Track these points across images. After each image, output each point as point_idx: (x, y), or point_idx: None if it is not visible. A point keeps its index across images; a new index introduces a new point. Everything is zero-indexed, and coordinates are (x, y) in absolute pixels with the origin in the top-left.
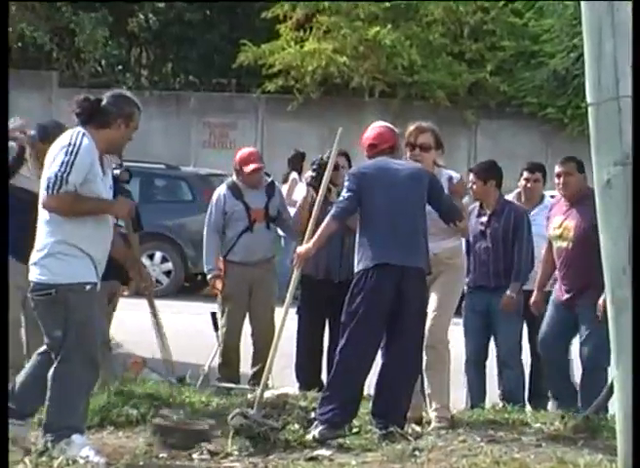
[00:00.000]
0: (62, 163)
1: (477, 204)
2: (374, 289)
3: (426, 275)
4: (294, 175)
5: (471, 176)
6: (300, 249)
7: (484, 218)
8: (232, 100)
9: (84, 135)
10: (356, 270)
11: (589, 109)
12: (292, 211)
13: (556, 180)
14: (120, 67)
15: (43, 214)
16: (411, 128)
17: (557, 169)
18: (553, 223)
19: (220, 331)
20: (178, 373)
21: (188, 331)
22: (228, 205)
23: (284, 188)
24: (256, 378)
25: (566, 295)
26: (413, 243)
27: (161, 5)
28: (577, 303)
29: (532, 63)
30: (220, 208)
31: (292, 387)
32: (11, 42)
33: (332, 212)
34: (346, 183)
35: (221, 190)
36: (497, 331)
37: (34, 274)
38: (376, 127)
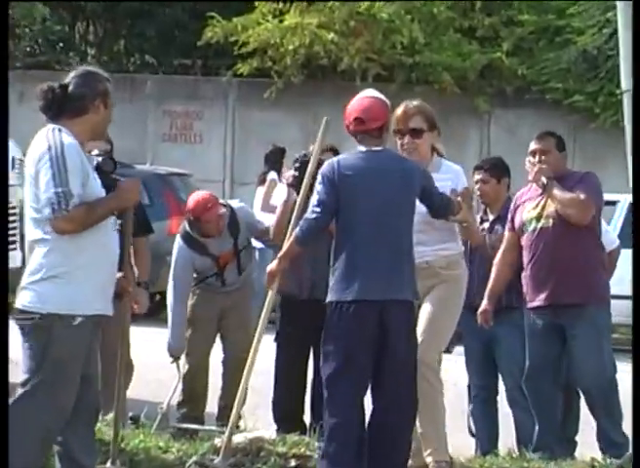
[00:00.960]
0: (54, 175)
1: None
2: (351, 329)
3: (416, 302)
4: (272, 174)
5: (479, 175)
6: (271, 265)
7: (486, 224)
8: (197, 85)
9: (60, 131)
10: (329, 298)
11: (624, 97)
12: (270, 217)
13: (530, 159)
14: (62, 45)
15: (34, 233)
16: (397, 111)
17: (532, 146)
18: (527, 207)
19: (181, 362)
20: (130, 412)
21: (143, 360)
22: (196, 264)
23: (260, 191)
24: (224, 419)
25: (544, 297)
26: (397, 269)
27: None
28: (565, 306)
29: (556, 42)
30: (188, 273)
31: (267, 430)
32: None
33: (297, 229)
34: (318, 187)
35: (181, 249)
36: (500, 360)
37: (22, 300)
38: (365, 97)
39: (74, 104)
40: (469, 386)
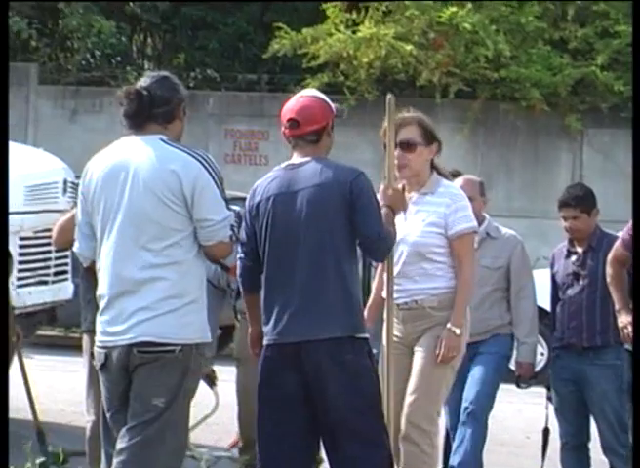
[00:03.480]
0: (221, 195)
1: (564, 243)
2: (265, 381)
3: (357, 342)
4: None
5: (568, 211)
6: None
7: (574, 257)
8: (263, 102)
9: (168, 141)
10: None
11: None
12: None
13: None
14: (118, 59)
15: (158, 257)
16: (386, 123)
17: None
18: None
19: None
20: None
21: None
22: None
23: None
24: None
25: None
26: (316, 303)
27: None
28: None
29: None
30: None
31: None
32: None
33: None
34: (243, 224)
35: None
36: (592, 404)
37: (153, 331)
38: (302, 96)
39: (162, 110)
40: (545, 431)
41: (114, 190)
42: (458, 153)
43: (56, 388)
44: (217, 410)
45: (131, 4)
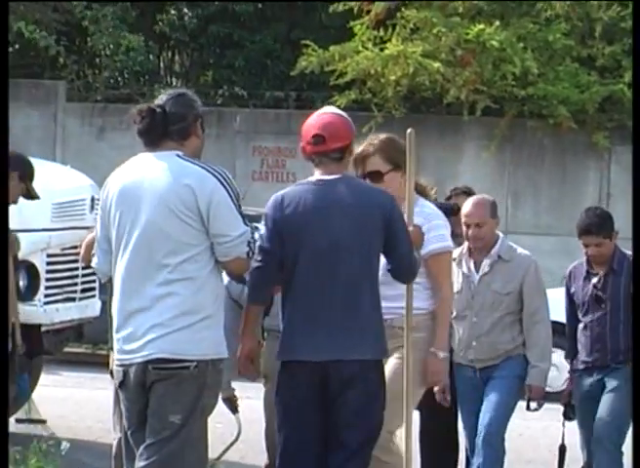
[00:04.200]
0: (238, 211)
1: (582, 264)
2: (289, 397)
3: (381, 364)
4: None
5: (589, 239)
6: (240, 349)
7: (595, 280)
8: (290, 119)
9: (179, 155)
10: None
11: None
12: None
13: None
14: (146, 77)
15: (190, 271)
16: (355, 153)
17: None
18: None
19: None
20: None
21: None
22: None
23: None
24: None
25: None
26: (346, 323)
27: None
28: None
29: None
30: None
31: None
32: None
33: (247, 290)
34: (263, 231)
35: None
36: (602, 403)
37: (168, 347)
38: (326, 113)
39: (178, 126)
40: (561, 448)
41: (129, 206)
42: (484, 171)
43: (83, 405)
44: (240, 436)
45: (159, 22)
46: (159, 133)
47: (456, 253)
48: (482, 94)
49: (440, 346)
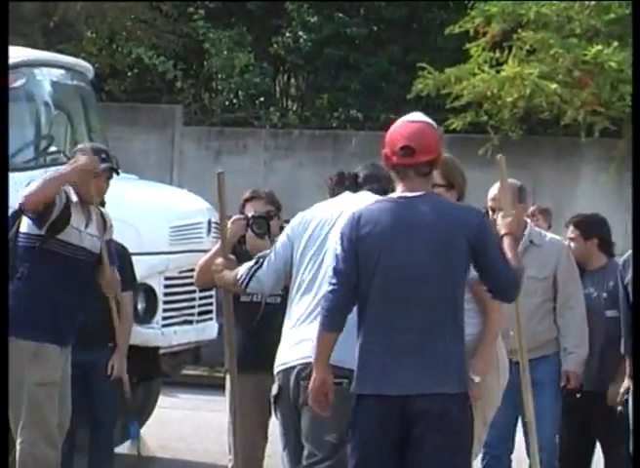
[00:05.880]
0: None
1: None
2: (359, 437)
3: (465, 398)
4: None
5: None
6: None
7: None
8: None
9: None
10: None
11: None
12: None
13: None
14: (262, 99)
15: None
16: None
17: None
18: None
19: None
20: None
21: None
22: None
23: None
24: None
25: None
26: (427, 354)
27: (314, 20)
28: None
29: None
30: None
31: None
32: (125, 68)
33: (320, 315)
34: (337, 251)
35: None
36: None
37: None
38: (414, 121)
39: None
40: None
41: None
42: (603, 192)
43: (200, 427)
44: None
45: (274, 46)
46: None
47: None
48: (600, 115)
49: (477, 371)
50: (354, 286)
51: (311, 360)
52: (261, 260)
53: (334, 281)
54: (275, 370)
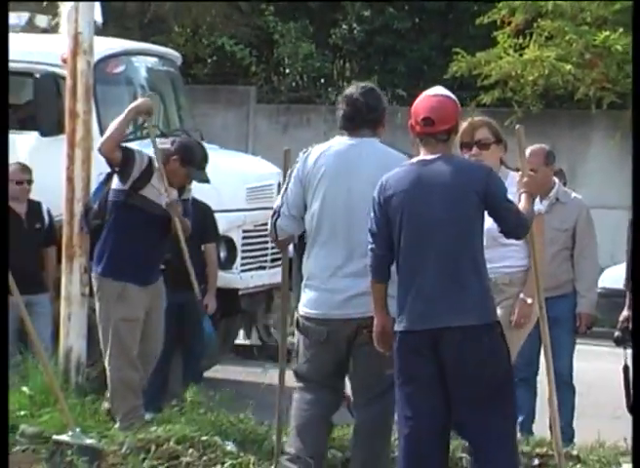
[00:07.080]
0: None
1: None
2: (402, 368)
3: (490, 328)
4: None
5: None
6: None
7: None
8: None
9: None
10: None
11: None
12: None
13: None
14: (322, 81)
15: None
16: (463, 125)
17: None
18: None
19: None
20: None
21: None
22: None
23: None
24: None
25: None
26: (453, 292)
27: (366, 13)
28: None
29: None
30: None
31: None
32: (206, 56)
33: (369, 270)
34: (371, 214)
35: None
36: None
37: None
38: (435, 95)
39: (372, 116)
40: (625, 369)
41: (340, 179)
42: (610, 157)
43: None
44: None
45: (333, 36)
46: (358, 121)
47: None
48: (608, 91)
49: (528, 294)
50: (388, 242)
51: (370, 314)
52: (278, 211)
53: (371, 240)
54: (325, 316)
